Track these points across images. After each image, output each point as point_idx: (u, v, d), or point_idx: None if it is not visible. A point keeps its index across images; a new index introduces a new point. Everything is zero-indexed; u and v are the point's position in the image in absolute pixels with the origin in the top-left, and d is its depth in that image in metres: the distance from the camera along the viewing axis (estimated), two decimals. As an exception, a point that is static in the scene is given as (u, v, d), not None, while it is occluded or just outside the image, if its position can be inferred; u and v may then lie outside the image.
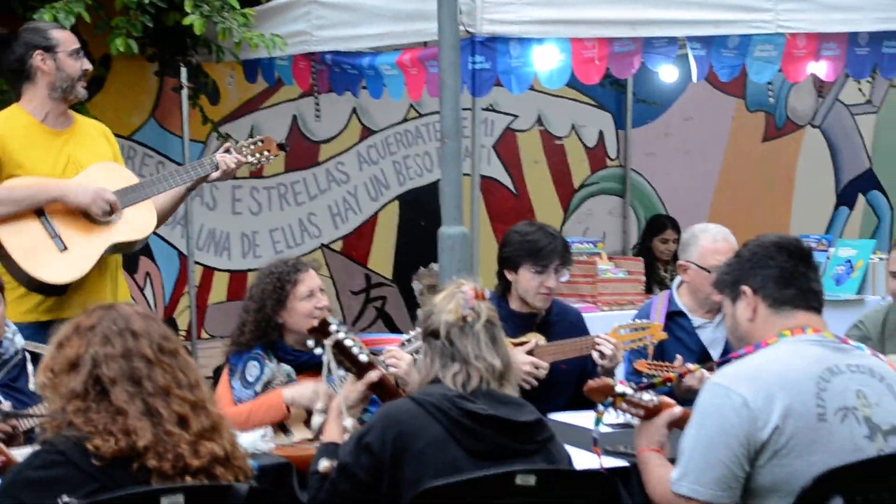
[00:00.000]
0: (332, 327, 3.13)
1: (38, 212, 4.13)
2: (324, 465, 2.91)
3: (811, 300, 2.88)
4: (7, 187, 4.12)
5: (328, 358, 3.12)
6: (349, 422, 3.04)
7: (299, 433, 3.68)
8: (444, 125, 5.04)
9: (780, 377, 2.70)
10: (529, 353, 4.21)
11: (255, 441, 3.23)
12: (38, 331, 4.04)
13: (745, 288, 2.88)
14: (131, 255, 6.78)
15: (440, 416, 2.83)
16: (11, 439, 3.29)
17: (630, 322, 4.42)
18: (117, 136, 6.49)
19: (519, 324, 4.34)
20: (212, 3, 5.64)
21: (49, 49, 4.26)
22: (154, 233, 6.65)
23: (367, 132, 7.61)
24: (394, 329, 7.57)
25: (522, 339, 4.28)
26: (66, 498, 2.38)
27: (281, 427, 3.70)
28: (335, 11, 5.75)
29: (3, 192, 4.10)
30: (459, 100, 5.03)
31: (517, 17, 5.15)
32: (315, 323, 3.16)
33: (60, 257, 4.08)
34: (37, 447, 2.53)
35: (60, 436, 2.48)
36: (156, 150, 6.90)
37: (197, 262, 6.85)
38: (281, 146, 4.58)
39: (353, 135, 7.56)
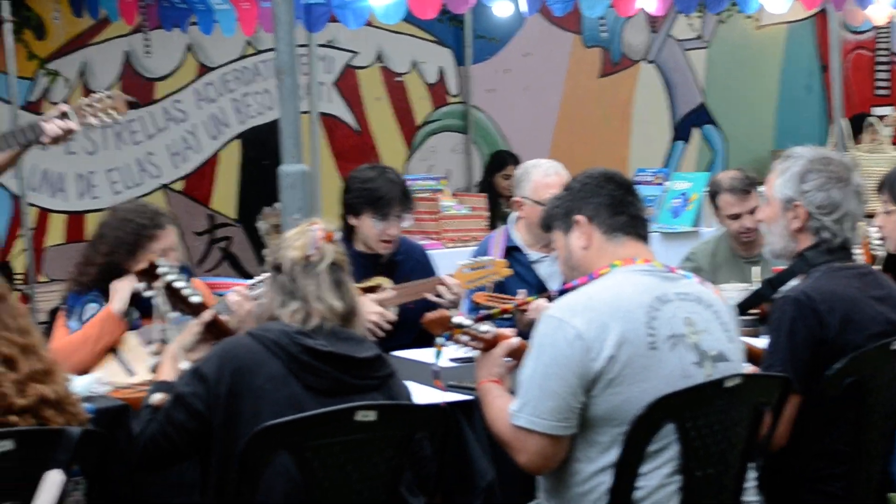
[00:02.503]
0: (161, 269, 3.10)
1: None
2: (156, 398, 2.91)
3: (640, 228, 2.95)
4: None
5: (159, 300, 3.08)
6: (185, 364, 3.02)
7: (143, 374, 3.63)
8: (279, 61, 4.93)
9: (611, 307, 2.76)
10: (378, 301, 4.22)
11: (89, 384, 3.18)
12: None
13: (580, 217, 2.94)
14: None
15: (279, 352, 2.84)
16: None
17: (473, 260, 4.47)
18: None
19: (365, 264, 4.35)
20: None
21: None
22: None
23: (203, 69, 7.45)
24: (240, 269, 7.50)
25: (369, 282, 4.29)
26: None
27: (125, 368, 3.65)
28: (166, -58, 5.59)
29: None
30: (293, 35, 4.95)
31: (351, -50, 5.11)
32: (141, 265, 3.12)
33: None
34: None
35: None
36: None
37: (31, 204, 6.64)
38: (131, 104, 4.38)
39: (189, 72, 7.39)
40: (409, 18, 5.45)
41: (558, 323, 2.76)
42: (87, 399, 2.97)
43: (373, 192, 4.34)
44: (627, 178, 3.05)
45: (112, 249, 3.88)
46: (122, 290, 3.70)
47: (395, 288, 4.35)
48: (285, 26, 4.90)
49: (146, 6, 5.90)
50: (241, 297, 3.66)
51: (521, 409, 2.78)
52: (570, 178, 3.09)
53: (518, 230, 4.65)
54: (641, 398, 2.70)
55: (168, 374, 3.06)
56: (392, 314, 4.22)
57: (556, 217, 3.01)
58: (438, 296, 4.27)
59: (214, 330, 3.12)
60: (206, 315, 3.12)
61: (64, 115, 4.06)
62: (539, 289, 4.47)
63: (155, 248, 3.86)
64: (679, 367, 2.77)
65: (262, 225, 7.31)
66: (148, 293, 3.13)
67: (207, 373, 2.82)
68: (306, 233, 2.97)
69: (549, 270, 4.58)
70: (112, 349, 3.73)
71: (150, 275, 3.10)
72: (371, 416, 2.64)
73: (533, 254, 4.60)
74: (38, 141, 4.04)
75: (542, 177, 4.55)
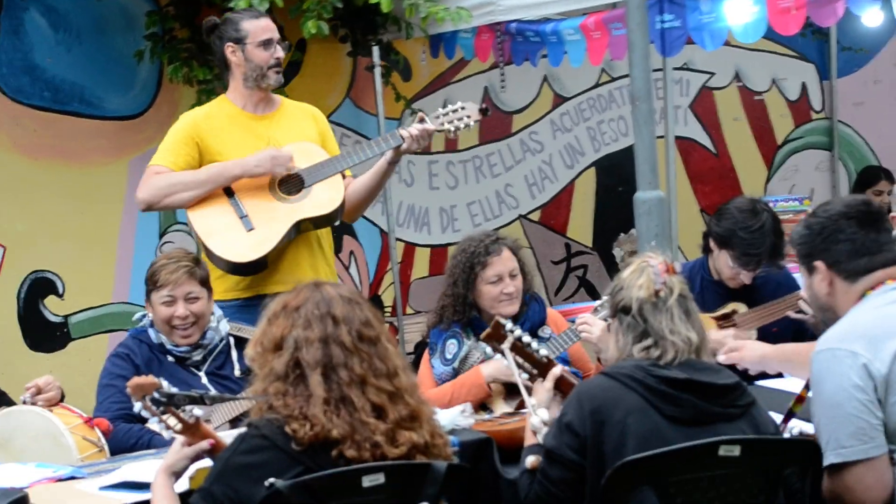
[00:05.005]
0: (507, 328, 3.09)
1: (229, 193, 4.21)
2: (530, 460, 2.87)
3: (885, 258, 2.91)
4: (191, 173, 4.22)
5: (510, 360, 3.08)
6: (537, 419, 2.98)
7: (499, 409, 3.66)
8: (634, 87, 4.89)
9: (880, 327, 2.73)
10: (729, 324, 4.06)
11: (454, 417, 3.22)
12: (240, 308, 4.16)
13: (819, 263, 2.92)
14: (335, 234, 6.93)
15: (635, 385, 2.77)
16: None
17: None
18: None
19: (719, 291, 4.20)
20: (398, -21, 5.66)
21: (238, 41, 4.33)
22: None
23: (559, 99, 7.51)
24: (596, 297, 7.47)
25: (723, 310, 4.15)
26: (271, 480, 2.42)
27: (482, 407, 3.70)
28: (521, -21, 5.68)
29: (188, 177, 4.20)
30: (649, 60, 4.87)
31: (706, -29, 4.98)
32: (511, 311, 3.11)
33: (247, 237, 4.13)
34: (243, 429, 2.58)
35: (264, 419, 2.52)
36: (353, 129, 7.00)
37: (398, 239, 6.92)
38: (483, 111, 4.48)
39: (545, 103, 7.48)
40: (769, 34, 5.23)
41: (830, 353, 2.74)
42: (452, 432, 3.01)
43: (743, 241, 4.17)
44: (873, 209, 2.99)
45: (453, 283, 3.94)
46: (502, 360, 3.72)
47: (753, 311, 4.17)
48: (640, 52, 4.84)
49: (501, 43, 6.02)
50: (588, 322, 3.63)
51: (826, 451, 2.69)
52: (810, 215, 3.03)
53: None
54: None
55: (529, 438, 3.03)
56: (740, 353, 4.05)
57: (799, 256, 3.00)
58: (800, 311, 4.05)
59: (563, 385, 3.09)
60: (556, 371, 3.09)
61: (422, 121, 4.26)
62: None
63: (487, 277, 3.89)
64: None
65: (617, 251, 7.27)
66: (497, 357, 3.13)
67: (570, 420, 2.79)
68: (646, 269, 2.89)
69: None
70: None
71: (496, 337, 3.10)
72: (735, 451, 2.53)
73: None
74: (399, 145, 4.21)
75: None
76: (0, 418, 3.32)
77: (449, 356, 3.86)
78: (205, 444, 2.69)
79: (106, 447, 3.37)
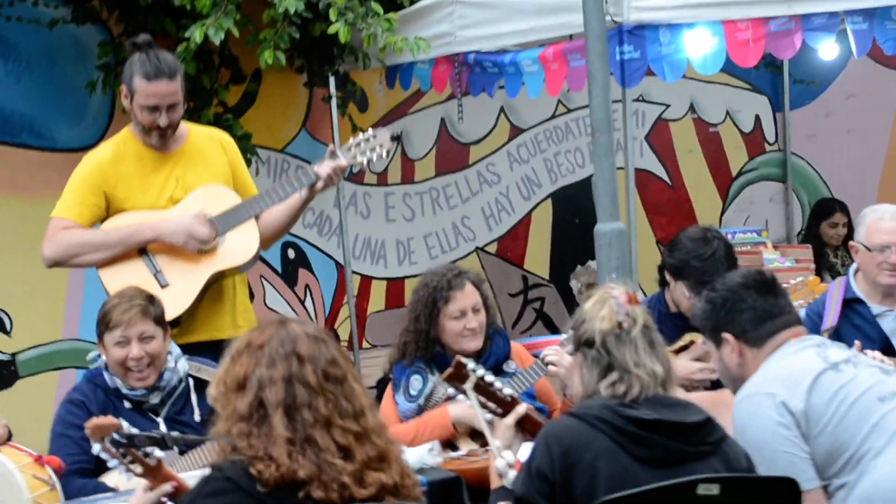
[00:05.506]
0: (469, 366, 3.03)
1: (141, 249, 4.12)
2: None
3: (788, 323, 3.11)
4: (102, 232, 4.12)
5: (473, 402, 3.01)
6: (502, 462, 2.91)
7: (466, 446, 3.60)
8: (594, 119, 4.91)
9: (789, 371, 2.98)
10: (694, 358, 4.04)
11: (422, 456, 3.16)
12: None
13: (726, 335, 3.10)
14: (290, 268, 6.87)
15: (604, 427, 2.71)
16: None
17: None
18: (270, 149, 6.66)
19: (676, 323, 4.18)
20: (356, 10, 5.63)
21: (130, 91, 4.15)
22: (310, 243, 6.84)
23: (515, 131, 7.50)
24: (554, 330, 7.45)
25: (681, 342, 4.12)
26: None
27: (448, 444, 3.63)
28: (479, 10, 5.67)
29: (98, 238, 4.11)
30: (609, 92, 4.89)
31: (665, 3, 4.99)
32: (474, 347, 3.06)
33: (163, 293, 3.97)
34: (206, 471, 2.49)
35: (227, 460, 2.44)
36: (308, 161, 6.94)
37: (354, 272, 6.86)
38: (394, 138, 4.38)
39: (502, 134, 7.47)
40: (725, 67, 5.26)
41: (748, 400, 2.95)
42: (420, 471, 2.94)
43: (698, 271, 4.15)
44: (767, 277, 3.16)
45: (416, 316, 3.89)
46: (464, 406, 3.65)
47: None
48: (600, 84, 4.85)
49: (458, 73, 6.00)
50: (557, 355, 3.58)
51: None
52: (710, 289, 3.18)
53: (858, 281, 4.35)
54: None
55: (494, 480, 2.95)
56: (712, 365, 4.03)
57: (705, 330, 3.16)
58: None
59: (528, 424, 3.03)
60: (521, 409, 3.03)
61: (333, 155, 4.15)
62: (883, 345, 4.15)
63: (450, 312, 3.84)
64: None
65: (574, 284, 7.26)
66: (460, 397, 3.06)
67: (539, 465, 2.72)
68: (607, 301, 2.84)
69: (893, 326, 4.24)
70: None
71: (458, 377, 3.04)
72: (714, 489, 2.48)
73: (875, 307, 4.28)
74: (313, 184, 4.10)
75: (875, 221, 4.26)
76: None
77: (413, 392, 3.80)
78: (167, 487, 2.60)
79: (58, 485, 3.26)
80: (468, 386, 3.01)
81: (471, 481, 3.07)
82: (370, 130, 4.29)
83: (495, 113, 7.39)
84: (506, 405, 3.05)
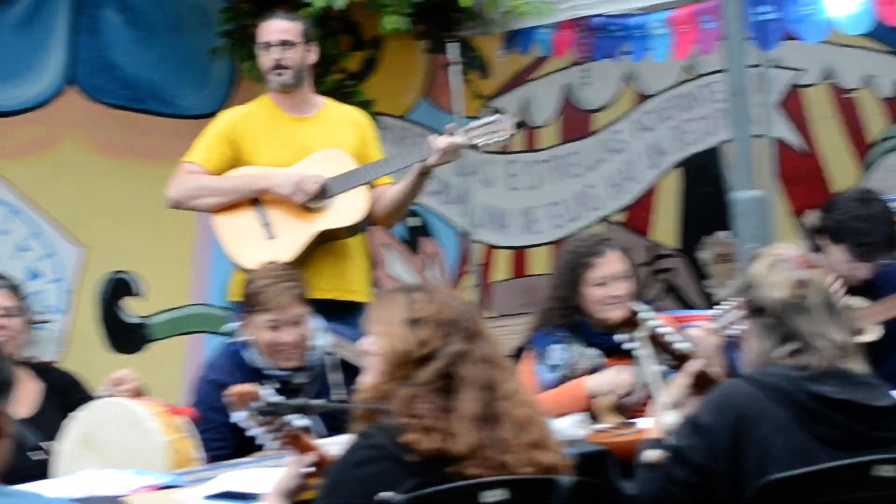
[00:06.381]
0: (643, 315, 2.90)
1: (255, 200, 4.21)
2: (650, 455, 2.68)
3: None
4: (220, 178, 4.23)
5: (644, 352, 2.88)
6: (668, 419, 2.79)
7: (605, 421, 3.48)
8: (731, 82, 4.75)
9: None
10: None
11: (569, 427, 3.06)
12: None
13: None
14: (412, 236, 6.83)
15: (784, 400, 2.54)
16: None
17: None
18: (391, 116, 6.60)
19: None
20: (478, -26, 5.54)
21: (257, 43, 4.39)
22: (432, 211, 6.78)
23: (641, 98, 7.33)
24: (682, 301, 7.28)
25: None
26: (383, 494, 2.27)
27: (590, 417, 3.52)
28: (608, -29, 5.53)
29: (215, 183, 4.21)
30: (746, 54, 4.73)
31: (806, -40, 4.79)
32: (619, 315, 2.94)
33: (268, 245, 4.11)
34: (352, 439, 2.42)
35: (375, 427, 2.37)
36: (430, 128, 6.88)
37: (477, 241, 6.79)
38: (518, 124, 4.37)
39: (626, 101, 7.30)
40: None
41: None
42: (568, 443, 2.84)
43: (857, 231, 3.96)
44: None
45: (558, 283, 3.78)
46: (606, 376, 3.54)
47: (876, 305, 3.97)
48: (737, 45, 4.69)
49: (582, 38, 5.86)
50: (704, 332, 3.41)
51: None
52: None
53: None
54: None
55: (653, 430, 2.85)
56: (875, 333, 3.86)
57: None
58: None
59: (702, 380, 2.88)
60: (695, 365, 2.88)
61: (452, 134, 4.16)
62: None
63: (592, 279, 3.71)
64: None
65: (704, 255, 7.08)
66: (629, 345, 2.94)
67: (705, 423, 2.57)
68: (780, 265, 2.66)
69: None
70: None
71: (631, 324, 2.90)
72: (893, 471, 2.32)
73: None
74: (427, 157, 4.12)
75: None
76: (83, 415, 3.21)
77: (554, 363, 3.68)
78: (311, 458, 2.55)
79: (191, 435, 3.24)
80: (641, 335, 2.89)
81: (618, 455, 2.94)
82: (496, 115, 4.27)
83: (618, 79, 7.22)
84: (680, 358, 2.91)
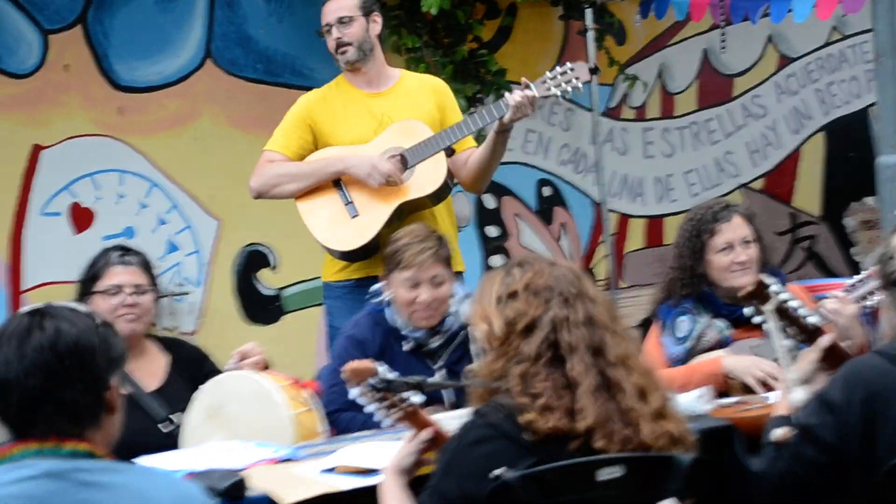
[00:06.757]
0: (772, 289, 2.77)
1: (336, 181, 4.20)
2: (777, 433, 2.57)
3: None
4: (299, 164, 4.23)
5: (773, 326, 2.75)
6: (797, 396, 2.67)
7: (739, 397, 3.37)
8: (878, 42, 4.57)
9: None
10: None
11: (692, 402, 2.96)
12: (352, 290, 4.16)
13: None
14: (545, 206, 6.76)
15: None
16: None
17: None
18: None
19: None
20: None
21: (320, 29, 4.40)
22: (565, 180, 6.70)
23: (785, 60, 7.09)
24: (825, 270, 7.05)
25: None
26: (497, 471, 2.23)
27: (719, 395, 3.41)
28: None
29: (295, 169, 4.22)
30: (894, 13, 4.51)
31: None
32: (748, 286, 2.81)
33: (352, 224, 4.12)
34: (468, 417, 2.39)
35: (491, 405, 2.33)
36: (564, 97, 6.78)
37: (611, 210, 6.68)
38: (592, 70, 4.27)
39: (769, 65, 7.07)
40: None
41: None
42: (691, 419, 2.76)
43: None
44: None
45: (681, 252, 3.68)
46: (746, 359, 3.41)
47: None
48: (885, 3, 4.49)
49: (719, 1, 5.68)
50: (840, 303, 3.26)
51: None
52: None
53: None
54: None
55: (781, 408, 2.73)
56: None
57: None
58: None
59: (833, 355, 2.74)
60: (825, 340, 2.75)
61: (527, 87, 4.08)
62: None
63: (716, 245, 3.60)
64: None
65: (849, 222, 6.85)
66: (757, 319, 2.82)
67: (834, 401, 2.45)
68: None
69: None
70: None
71: (758, 297, 2.77)
72: None
73: None
74: (502, 116, 4.06)
75: None
76: (210, 388, 3.26)
77: (681, 335, 3.58)
78: (427, 434, 2.52)
79: (316, 408, 3.26)
80: (769, 308, 2.77)
81: (744, 431, 2.84)
82: (568, 64, 4.18)
83: (762, 42, 6.99)
84: (809, 333, 2.79)
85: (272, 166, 4.24)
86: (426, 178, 4.13)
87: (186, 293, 5.99)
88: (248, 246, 6.07)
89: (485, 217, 6.64)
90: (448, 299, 3.64)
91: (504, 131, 4.12)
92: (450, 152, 4.22)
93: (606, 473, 2.27)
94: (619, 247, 6.84)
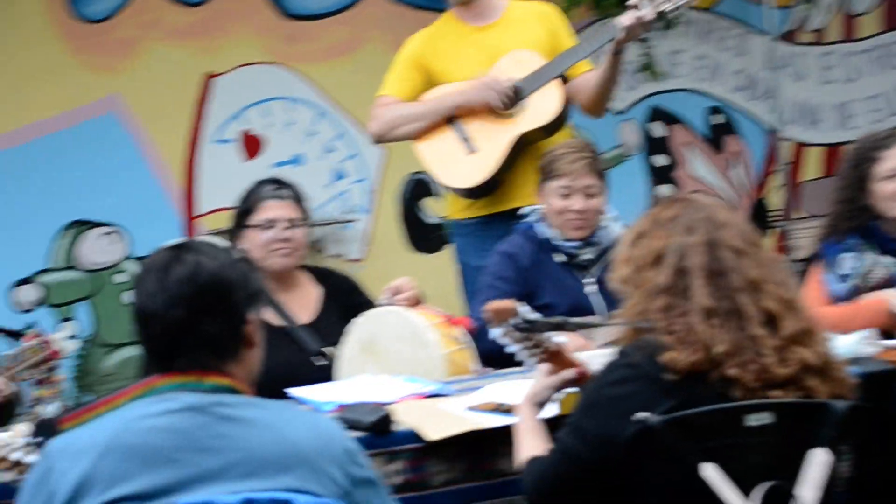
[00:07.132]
0: None
1: (450, 119, 4.14)
2: None
3: None
4: (413, 105, 4.18)
5: None
6: None
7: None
8: None
9: None
10: None
11: (854, 344, 2.83)
12: (477, 227, 4.13)
13: None
14: (716, 134, 6.57)
15: None
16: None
17: None
18: (696, 9, 6.31)
19: None
20: None
21: None
22: (737, 108, 6.48)
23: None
24: None
25: None
26: (640, 414, 2.19)
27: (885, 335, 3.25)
28: None
29: (410, 109, 4.16)
30: None
31: None
32: None
33: (470, 160, 4.06)
34: (611, 357, 2.35)
35: (634, 345, 2.29)
36: (737, 19, 6.54)
37: (787, 138, 6.44)
38: None
39: None
40: None
41: None
42: (853, 362, 2.64)
43: None
44: None
45: (843, 184, 3.51)
46: None
47: None
48: None
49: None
50: None
51: None
52: None
53: None
54: None
55: None
56: None
57: None
58: None
59: None
60: None
61: (637, 6, 3.92)
62: None
63: (881, 173, 3.42)
64: None
65: None
66: None
67: None
68: None
69: None
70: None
71: None
72: None
73: None
74: (613, 38, 3.93)
75: None
76: (363, 322, 3.29)
77: (845, 272, 3.43)
78: (570, 374, 2.50)
79: (469, 346, 3.26)
80: None
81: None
82: None
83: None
84: None
85: (389, 109, 4.21)
86: (541, 107, 4.07)
87: (352, 220, 6.08)
88: (413, 174, 6.10)
89: (652, 146, 6.51)
90: (600, 212, 3.63)
91: (618, 53, 4.02)
92: (564, 79, 4.13)
93: (755, 419, 2.20)
94: (794, 176, 6.60)
